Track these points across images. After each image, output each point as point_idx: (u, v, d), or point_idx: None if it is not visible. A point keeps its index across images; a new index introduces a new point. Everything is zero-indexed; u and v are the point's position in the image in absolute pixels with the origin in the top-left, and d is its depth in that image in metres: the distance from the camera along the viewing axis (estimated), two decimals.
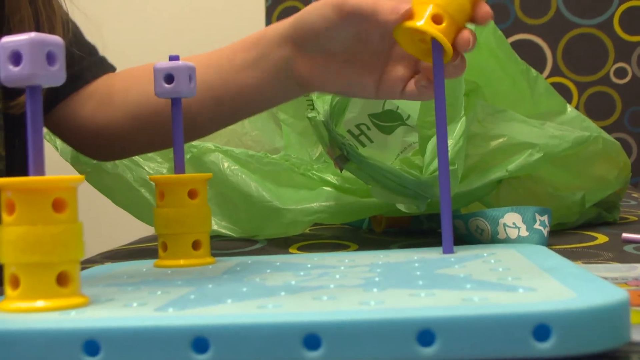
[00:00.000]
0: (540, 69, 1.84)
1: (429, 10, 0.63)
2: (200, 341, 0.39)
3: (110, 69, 0.94)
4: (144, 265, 0.68)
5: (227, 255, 0.80)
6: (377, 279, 0.51)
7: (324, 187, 0.94)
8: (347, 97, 0.86)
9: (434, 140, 0.81)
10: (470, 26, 0.67)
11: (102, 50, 0.96)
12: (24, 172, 0.50)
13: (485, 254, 0.61)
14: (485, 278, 0.49)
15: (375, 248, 0.80)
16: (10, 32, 0.80)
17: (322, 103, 0.86)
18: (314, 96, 0.87)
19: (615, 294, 0.40)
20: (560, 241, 0.83)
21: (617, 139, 1.00)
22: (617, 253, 0.75)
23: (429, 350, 0.38)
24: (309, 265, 0.60)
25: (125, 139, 0.87)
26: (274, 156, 1.01)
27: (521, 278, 0.48)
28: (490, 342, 0.38)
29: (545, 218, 0.78)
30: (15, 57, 0.48)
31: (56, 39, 0.48)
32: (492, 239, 0.78)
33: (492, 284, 0.46)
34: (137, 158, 0.98)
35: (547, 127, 0.88)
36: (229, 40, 0.81)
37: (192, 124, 0.80)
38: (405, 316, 0.38)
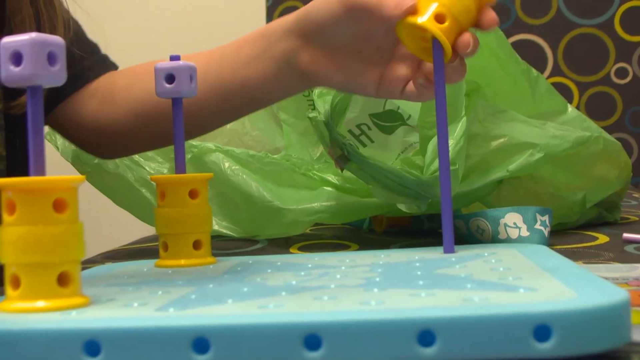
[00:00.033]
0: (541, 69, 1.84)
1: (433, 8, 0.63)
2: (201, 341, 0.39)
3: (112, 67, 0.94)
4: (145, 265, 0.68)
5: (228, 255, 0.80)
6: (377, 279, 0.51)
7: (325, 187, 0.94)
8: (348, 97, 0.85)
9: (434, 140, 0.81)
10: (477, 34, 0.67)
11: (104, 50, 0.97)
12: (25, 172, 0.50)
13: (486, 254, 0.61)
14: (486, 278, 0.49)
15: (376, 248, 0.80)
16: (11, 33, 0.80)
17: (323, 103, 0.86)
18: (315, 96, 0.87)
19: (616, 294, 0.40)
20: (561, 241, 0.83)
21: (617, 139, 1.00)
22: (618, 253, 0.75)
23: (429, 351, 0.38)
24: (309, 265, 0.60)
25: (128, 136, 0.87)
26: (275, 156, 1.01)
27: (522, 278, 0.48)
28: (491, 342, 0.38)
29: (546, 218, 0.78)
30: (16, 58, 0.48)
31: (57, 39, 0.48)
32: (493, 239, 0.78)
33: (493, 284, 0.46)
34: (137, 158, 0.98)
35: (547, 127, 0.88)
36: (229, 40, 0.81)
37: (195, 119, 0.80)
38: (405, 316, 0.38)
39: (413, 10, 0.64)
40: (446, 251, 0.64)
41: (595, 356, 0.39)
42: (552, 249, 0.73)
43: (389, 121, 1.05)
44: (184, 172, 0.69)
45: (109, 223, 1.97)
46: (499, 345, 0.38)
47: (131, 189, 0.98)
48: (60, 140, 1.00)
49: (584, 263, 0.70)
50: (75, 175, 0.50)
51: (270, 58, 0.75)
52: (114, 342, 0.40)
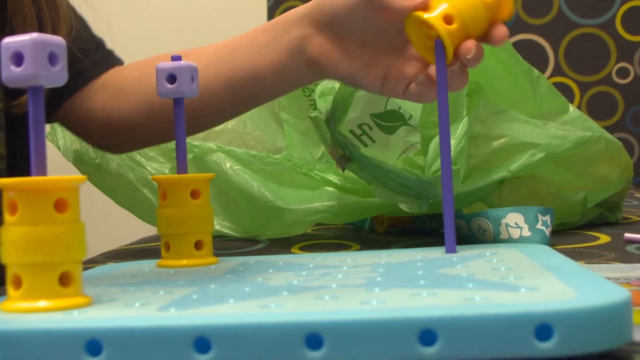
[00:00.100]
0: (542, 68, 1.84)
1: (443, 7, 0.64)
2: (202, 341, 0.39)
3: (118, 62, 0.95)
4: (147, 265, 0.68)
5: (229, 255, 0.80)
6: (379, 278, 0.51)
7: (326, 187, 0.94)
8: (349, 97, 0.86)
9: (436, 140, 0.81)
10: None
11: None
12: (26, 171, 0.50)
13: (487, 254, 0.61)
14: (487, 277, 0.49)
15: (378, 248, 0.80)
16: (13, 32, 0.80)
17: (325, 103, 0.86)
18: (316, 96, 0.87)
19: (618, 294, 0.40)
20: (562, 241, 0.83)
21: (619, 139, 1.00)
22: (620, 253, 0.75)
23: (430, 350, 0.38)
24: (311, 265, 0.60)
25: (138, 129, 0.87)
26: (276, 156, 1.01)
27: (523, 277, 0.48)
28: (492, 341, 0.38)
29: (547, 218, 0.78)
30: (17, 58, 0.48)
31: (58, 39, 0.48)
32: (495, 239, 0.78)
33: (494, 284, 0.46)
34: (139, 158, 0.98)
35: (549, 127, 0.88)
36: None
37: (205, 110, 0.81)
38: (407, 316, 0.38)
39: (424, 7, 0.64)
40: (448, 251, 0.64)
41: (596, 356, 0.39)
42: (554, 249, 0.73)
43: (391, 121, 1.05)
44: (185, 172, 0.69)
45: (110, 223, 1.97)
46: (501, 344, 0.38)
47: (132, 189, 0.98)
48: (61, 140, 1.00)
49: (585, 263, 0.70)
50: (76, 175, 0.50)
51: (283, 45, 0.75)
52: (116, 341, 0.40)
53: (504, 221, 0.78)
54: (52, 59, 0.48)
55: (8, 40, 0.48)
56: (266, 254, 0.77)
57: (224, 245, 0.93)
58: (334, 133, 0.83)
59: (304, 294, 0.47)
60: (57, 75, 0.48)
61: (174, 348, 0.39)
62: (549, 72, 1.84)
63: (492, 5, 0.65)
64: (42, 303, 0.46)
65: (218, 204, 0.96)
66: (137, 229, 1.20)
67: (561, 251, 0.72)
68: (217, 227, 0.97)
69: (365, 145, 1.04)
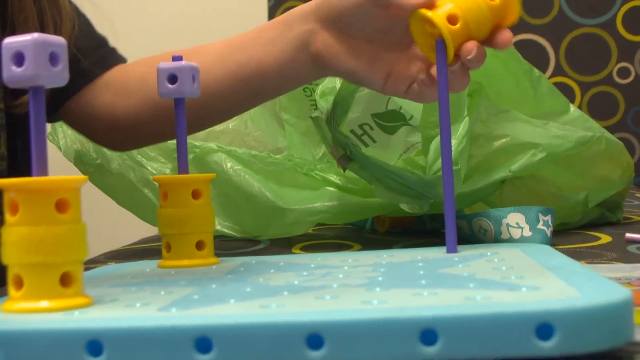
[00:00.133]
0: (543, 68, 1.83)
1: (448, 7, 0.64)
2: (203, 341, 0.39)
3: (121, 60, 0.95)
4: (148, 265, 0.68)
5: (230, 255, 0.80)
6: (380, 278, 0.51)
7: (327, 187, 0.94)
8: (350, 97, 0.86)
9: (437, 140, 0.81)
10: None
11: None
12: (27, 172, 0.50)
13: (488, 253, 0.61)
14: (488, 277, 0.49)
15: (379, 248, 0.80)
16: (14, 31, 0.81)
17: (326, 103, 0.86)
18: (317, 96, 0.87)
19: (619, 293, 0.40)
20: (563, 241, 0.83)
21: (620, 138, 1.00)
22: (621, 253, 0.75)
23: (431, 350, 0.38)
24: (312, 265, 0.60)
25: (143, 127, 0.87)
26: (277, 156, 1.01)
27: (524, 277, 0.48)
28: (493, 340, 0.38)
29: (548, 218, 0.78)
30: (18, 58, 0.48)
31: (59, 39, 0.48)
32: (496, 239, 0.78)
33: (496, 283, 0.46)
34: (140, 158, 0.98)
35: (550, 127, 0.88)
36: None
37: (210, 106, 0.81)
38: (407, 315, 0.38)
39: (429, 5, 0.65)
40: (449, 251, 0.64)
41: (597, 356, 0.39)
42: (555, 249, 0.73)
43: (392, 121, 1.05)
44: (186, 172, 0.69)
45: (111, 223, 1.97)
46: (502, 343, 0.38)
47: (134, 189, 0.98)
48: (62, 140, 1.00)
49: (586, 263, 0.70)
50: (77, 175, 0.50)
51: (288, 40, 0.76)
52: (117, 342, 0.40)
53: (505, 221, 0.78)
54: (53, 59, 0.48)
55: (9, 40, 0.48)
56: (267, 254, 0.77)
57: (225, 246, 0.93)
58: (335, 133, 0.83)
59: (305, 294, 0.47)
60: (58, 76, 0.48)
61: (174, 348, 0.39)
62: (549, 72, 1.84)
63: (498, 9, 0.65)
64: (43, 303, 0.46)
65: (219, 204, 0.96)
66: (138, 229, 1.20)
67: (562, 251, 0.72)
68: (218, 227, 0.97)
69: (366, 145, 1.04)
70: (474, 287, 0.45)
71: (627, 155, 0.96)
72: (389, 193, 0.82)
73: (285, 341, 0.39)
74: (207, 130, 1.09)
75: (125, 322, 0.41)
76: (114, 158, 0.98)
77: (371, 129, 1.05)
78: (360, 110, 1.04)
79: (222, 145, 0.99)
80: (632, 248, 0.78)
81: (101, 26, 0.96)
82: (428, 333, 0.38)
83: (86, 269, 0.59)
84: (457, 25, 0.64)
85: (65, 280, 0.47)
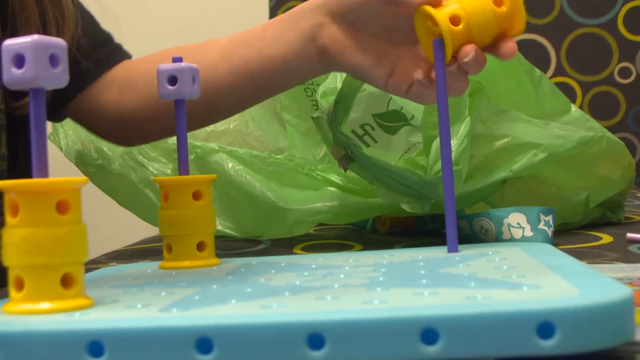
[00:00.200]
0: (544, 68, 1.83)
1: (452, 7, 0.64)
2: (204, 341, 0.39)
3: (127, 56, 0.95)
4: (149, 267, 0.68)
5: (231, 255, 0.81)
6: (381, 278, 0.51)
7: (328, 188, 0.94)
8: (352, 97, 0.86)
9: (438, 140, 0.81)
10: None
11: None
12: (28, 172, 0.50)
13: (489, 252, 0.61)
14: (489, 276, 0.49)
15: (380, 248, 0.80)
16: (16, 31, 0.81)
17: (327, 103, 0.86)
18: (319, 96, 0.87)
19: (619, 292, 0.40)
20: (564, 241, 0.83)
21: (621, 138, 1.00)
22: (622, 253, 0.75)
23: (432, 349, 0.38)
24: (313, 266, 0.60)
25: (149, 122, 0.87)
26: (278, 156, 1.01)
27: (525, 276, 0.48)
28: (494, 339, 0.38)
29: (549, 218, 0.78)
30: (19, 60, 0.48)
31: (59, 41, 0.48)
32: (497, 239, 0.78)
33: (497, 282, 0.46)
34: (141, 158, 0.98)
35: (551, 127, 0.88)
36: None
37: (217, 101, 0.82)
38: (408, 315, 0.38)
39: (434, 3, 0.65)
40: (450, 250, 0.64)
41: (598, 355, 0.39)
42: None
43: (393, 121, 1.05)
44: (187, 173, 0.69)
45: (112, 223, 1.98)
46: (503, 342, 0.38)
47: (135, 190, 0.98)
48: (63, 140, 1.00)
49: (587, 263, 0.70)
50: (79, 175, 0.50)
51: (296, 34, 0.76)
52: (117, 342, 0.40)
53: (506, 221, 0.78)
54: (53, 60, 0.48)
55: (9, 42, 0.48)
56: (268, 255, 0.77)
57: (226, 246, 0.93)
58: (336, 133, 0.83)
59: (306, 294, 0.47)
60: (58, 77, 0.48)
61: (175, 349, 0.39)
62: (550, 72, 1.84)
63: (504, 17, 0.64)
64: (44, 305, 0.46)
65: (220, 205, 0.96)
66: (139, 230, 1.20)
67: (563, 251, 0.72)
68: (219, 228, 0.97)
69: (368, 145, 1.04)
70: (475, 287, 0.45)
71: (628, 155, 0.96)
72: (390, 193, 0.82)
73: (286, 341, 0.39)
74: (208, 130, 1.10)
75: (126, 323, 0.41)
76: (115, 158, 0.98)
77: (372, 129, 1.05)
78: (361, 111, 1.04)
79: (224, 145, 0.99)
80: (633, 248, 0.78)
81: (105, 24, 0.96)
82: (429, 332, 0.38)
83: (87, 270, 0.59)
84: (459, 27, 0.64)
85: (66, 281, 0.47)
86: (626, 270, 0.63)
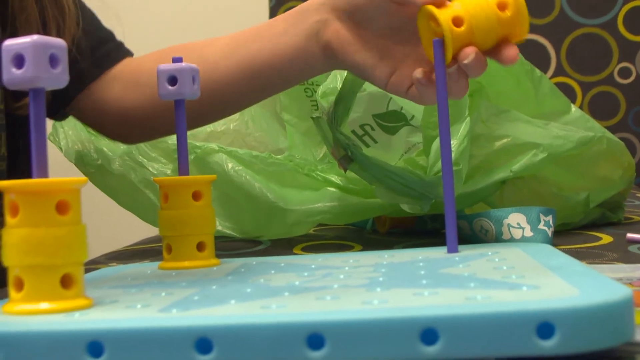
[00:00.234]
0: (544, 69, 1.83)
1: (456, 8, 0.64)
2: (203, 342, 0.39)
3: (128, 53, 0.95)
4: (149, 267, 0.68)
5: (231, 256, 0.80)
6: (381, 278, 0.51)
7: (328, 188, 0.94)
8: (352, 97, 0.86)
9: (438, 140, 0.81)
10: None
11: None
12: (28, 172, 0.50)
13: (489, 253, 0.61)
14: (489, 276, 0.49)
15: (380, 248, 0.80)
16: (16, 31, 0.81)
17: (327, 104, 0.86)
18: (318, 97, 0.87)
19: (619, 292, 0.40)
20: (564, 241, 0.83)
21: (621, 138, 1.00)
22: (622, 253, 0.75)
23: (432, 349, 0.38)
24: (313, 266, 0.60)
25: (153, 120, 0.87)
26: (278, 157, 1.01)
27: (525, 276, 0.48)
28: (494, 340, 0.38)
29: (549, 218, 0.78)
30: (18, 60, 0.48)
31: (59, 41, 0.48)
32: (497, 240, 0.78)
33: (496, 283, 0.46)
34: (141, 159, 0.98)
35: (551, 127, 0.88)
36: None
37: (222, 98, 0.82)
38: (408, 315, 0.38)
39: (438, 3, 0.65)
40: (450, 251, 0.64)
41: (598, 355, 0.39)
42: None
43: (393, 122, 1.05)
44: (187, 173, 0.69)
45: (112, 224, 1.98)
46: (502, 343, 0.38)
47: (134, 190, 0.98)
48: (63, 140, 1.00)
49: (587, 263, 0.70)
50: (78, 176, 0.50)
51: (301, 30, 0.76)
52: (117, 343, 0.40)
53: (506, 221, 0.78)
54: (53, 61, 0.48)
55: (9, 42, 0.48)
56: (268, 255, 0.77)
57: (226, 246, 0.93)
58: (336, 133, 0.83)
59: (306, 295, 0.47)
60: (58, 78, 0.48)
61: (175, 349, 0.39)
62: (550, 72, 1.84)
63: (507, 22, 0.64)
64: (44, 305, 0.46)
65: (220, 205, 0.96)
66: (139, 230, 1.20)
67: (563, 251, 0.72)
68: (219, 228, 0.97)
69: (367, 145, 1.04)
70: (474, 287, 0.45)
71: (628, 155, 0.96)
72: (390, 193, 0.82)
73: (286, 341, 0.39)
74: (208, 130, 1.10)
75: (126, 324, 0.41)
76: (115, 159, 0.98)
77: (372, 129, 1.05)
78: (361, 111, 1.04)
79: (223, 145, 0.99)
80: (633, 248, 0.78)
81: (106, 23, 0.96)
82: (429, 333, 0.38)
83: (87, 270, 0.59)
84: (461, 29, 0.64)
85: (66, 281, 0.47)
86: (626, 271, 0.63)
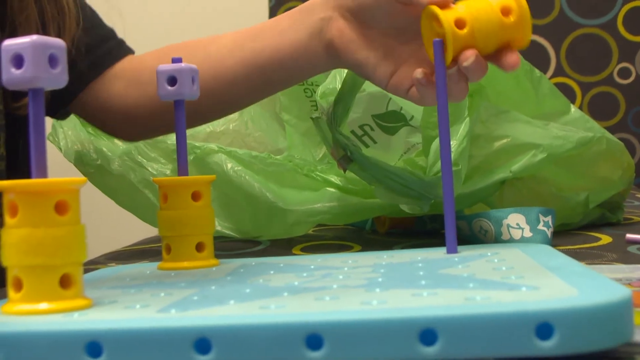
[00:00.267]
0: (543, 69, 1.83)
1: (459, 11, 0.64)
2: (202, 342, 0.39)
3: (130, 51, 0.95)
4: (148, 267, 0.68)
5: (230, 256, 0.80)
6: (380, 279, 0.51)
7: (328, 188, 0.94)
8: (351, 97, 0.86)
9: (437, 141, 0.81)
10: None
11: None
12: (28, 172, 0.50)
13: (488, 254, 0.61)
14: (488, 277, 0.49)
15: (379, 249, 0.80)
16: (15, 31, 0.81)
17: (326, 104, 0.86)
18: (318, 97, 0.87)
19: (618, 292, 0.40)
20: (563, 242, 0.83)
21: (620, 139, 1.00)
22: (621, 254, 0.75)
23: (431, 350, 0.38)
24: (312, 267, 0.60)
25: (155, 117, 0.87)
26: (278, 157, 1.01)
27: (524, 277, 0.48)
28: (493, 340, 0.38)
29: (549, 219, 0.78)
30: (18, 60, 0.48)
31: (58, 41, 0.48)
32: (496, 240, 0.78)
33: (495, 283, 0.46)
34: (140, 159, 0.98)
35: (550, 128, 0.88)
36: None
37: (226, 95, 0.82)
38: (407, 315, 0.38)
39: (442, 5, 0.65)
40: (449, 251, 0.64)
41: (597, 356, 0.39)
42: (555, 249, 0.73)
43: (392, 122, 1.05)
44: (186, 174, 0.69)
45: (111, 224, 1.97)
46: (501, 343, 0.38)
47: (134, 190, 0.98)
48: (63, 141, 1.00)
49: (586, 264, 0.70)
50: (78, 176, 0.50)
51: (305, 27, 0.76)
52: (116, 343, 0.40)
53: (505, 222, 0.78)
54: (52, 61, 0.48)
55: (8, 42, 0.48)
56: (267, 255, 0.77)
57: (225, 246, 0.93)
58: (335, 134, 0.83)
59: (305, 295, 0.47)
60: (58, 78, 0.48)
61: (174, 349, 0.39)
62: (550, 72, 1.84)
63: (509, 28, 0.64)
64: (43, 305, 0.46)
65: (219, 205, 0.96)
66: (138, 230, 1.20)
67: (562, 252, 0.72)
68: (219, 228, 0.97)
69: (367, 146, 1.04)
70: (473, 287, 0.45)
71: (628, 155, 0.96)
72: (390, 194, 0.82)
73: (285, 342, 0.39)
74: (208, 131, 1.10)
75: (125, 324, 0.41)
76: (114, 159, 0.98)
77: (372, 129, 1.05)
78: (360, 111, 1.04)
79: (223, 146, 0.99)
80: (632, 249, 0.78)
81: (108, 21, 0.96)
82: (428, 333, 0.38)
83: (86, 270, 0.59)
84: (463, 31, 0.64)
85: (65, 282, 0.47)
86: (625, 271, 0.63)
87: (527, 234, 0.77)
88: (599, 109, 1.83)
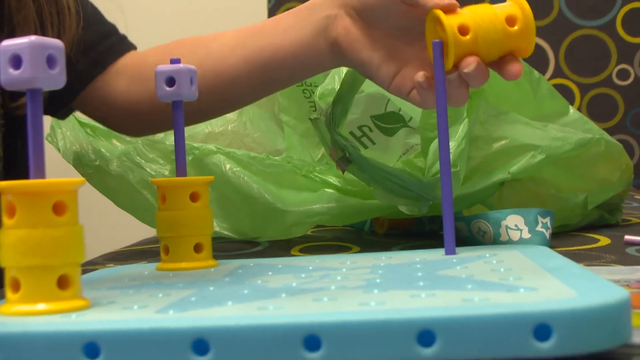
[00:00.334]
0: (542, 70, 1.83)
1: (463, 17, 0.64)
2: (200, 343, 0.39)
3: (132, 47, 0.95)
4: (146, 268, 0.68)
5: (228, 257, 0.80)
6: (378, 280, 0.51)
7: (326, 189, 0.94)
8: (350, 98, 0.86)
9: (436, 142, 0.81)
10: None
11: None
12: (26, 172, 0.50)
13: (487, 255, 0.61)
14: (486, 278, 0.49)
15: (377, 250, 0.80)
16: (13, 30, 0.81)
17: (325, 105, 0.86)
18: (317, 98, 0.87)
19: (616, 294, 0.40)
20: (562, 243, 0.83)
21: (619, 140, 1.00)
22: (620, 255, 0.75)
23: (429, 351, 0.38)
24: (310, 267, 0.60)
25: (158, 113, 0.87)
26: (276, 158, 1.01)
27: (522, 278, 0.48)
28: (491, 342, 0.37)
29: (547, 220, 0.78)
30: (16, 61, 0.48)
31: (56, 42, 0.48)
32: (494, 241, 0.78)
33: (494, 284, 0.46)
34: (139, 159, 0.98)
35: (549, 129, 0.88)
36: None
37: (228, 92, 0.82)
38: (405, 317, 0.38)
39: (447, 9, 0.65)
40: (447, 253, 0.64)
41: (595, 357, 0.39)
42: (554, 250, 0.73)
43: (391, 123, 1.05)
44: (184, 174, 0.69)
45: (110, 224, 1.97)
46: (499, 344, 0.37)
47: (132, 191, 0.98)
48: (61, 141, 1.00)
49: (585, 265, 0.70)
50: (76, 177, 0.50)
51: (309, 25, 0.76)
52: (114, 344, 0.40)
53: (504, 223, 0.78)
54: (51, 61, 0.48)
55: (6, 43, 0.48)
56: (266, 256, 0.77)
57: (224, 247, 0.93)
58: (334, 135, 0.83)
59: (303, 296, 0.47)
60: (56, 78, 0.48)
61: (172, 350, 0.39)
62: (549, 73, 1.84)
63: (513, 37, 0.64)
64: (41, 306, 0.46)
65: (218, 206, 0.96)
66: (136, 231, 1.20)
67: (561, 253, 0.72)
68: (217, 229, 0.97)
69: (365, 147, 1.04)
70: (471, 289, 0.45)
71: (627, 157, 0.96)
72: (388, 195, 0.82)
73: (283, 343, 0.39)
74: (206, 131, 1.09)
75: (123, 325, 0.41)
76: (113, 160, 0.98)
77: (370, 130, 1.05)
78: (359, 112, 1.04)
79: (221, 146, 0.99)
80: (631, 250, 0.78)
81: (110, 19, 0.97)
82: (425, 334, 0.38)
83: (84, 271, 0.59)
84: (466, 37, 0.64)
85: (63, 282, 0.47)
86: (624, 273, 0.63)
87: (526, 235, 0.77)
88: (597, 110, 1.83)
